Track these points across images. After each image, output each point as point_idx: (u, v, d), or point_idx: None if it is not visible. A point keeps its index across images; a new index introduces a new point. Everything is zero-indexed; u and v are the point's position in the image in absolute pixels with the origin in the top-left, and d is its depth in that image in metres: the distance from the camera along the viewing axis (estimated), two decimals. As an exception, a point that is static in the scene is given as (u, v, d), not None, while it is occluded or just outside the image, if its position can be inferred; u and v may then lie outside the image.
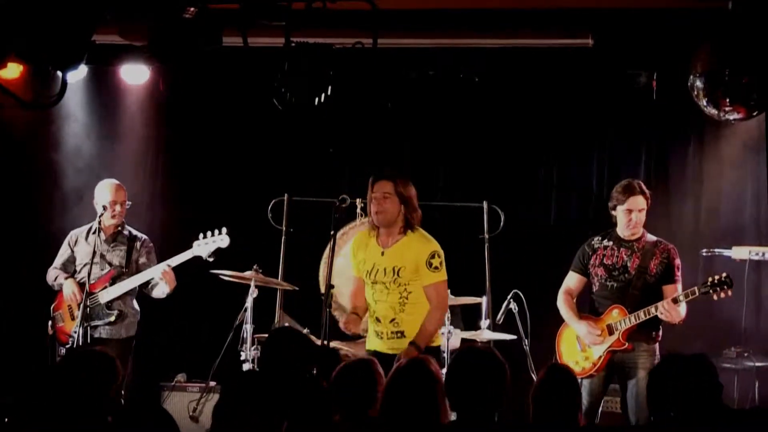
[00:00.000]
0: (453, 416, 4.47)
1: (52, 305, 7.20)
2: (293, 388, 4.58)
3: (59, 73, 5.68)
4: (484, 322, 7.20)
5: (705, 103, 6.72)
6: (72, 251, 7.23)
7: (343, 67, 6.29)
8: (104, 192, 7.12)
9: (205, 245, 7.01)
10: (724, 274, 6.25)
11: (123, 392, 6.16)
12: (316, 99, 6.22)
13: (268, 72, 6.31)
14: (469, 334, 7.18)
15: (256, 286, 7.12)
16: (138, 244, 7.19)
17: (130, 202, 7.20)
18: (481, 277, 7.66)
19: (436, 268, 6.06)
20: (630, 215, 6.39)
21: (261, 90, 6.55)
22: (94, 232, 7.05)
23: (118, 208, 7.09)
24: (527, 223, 8.21)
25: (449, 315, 6.82)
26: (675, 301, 6.23)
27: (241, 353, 7.07)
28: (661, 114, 7.90)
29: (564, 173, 8.51)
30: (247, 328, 7.06)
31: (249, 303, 7.07)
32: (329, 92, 6.20)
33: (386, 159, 8.13)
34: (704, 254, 7.51)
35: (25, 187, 8.29)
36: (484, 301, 7.34)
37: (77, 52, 5.57)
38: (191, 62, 7.03)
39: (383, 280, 6.13)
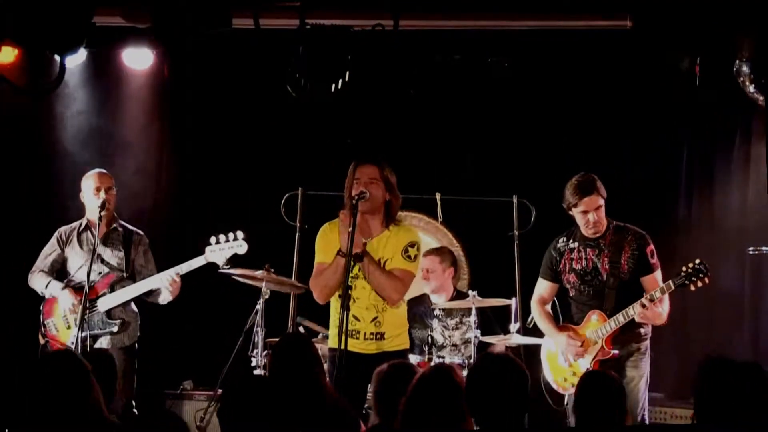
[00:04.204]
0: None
1: (41, 310, 6.83)
2: (304, 395, 4.57)
3: (57, 58, 5.59)
4: (514, 326, 6.99)
5: (752, 90, 6.64)
6: (62, 251, 6.83)
7: (362, 51, 6.21)
8: (87, 181, 6.82)
9: (220, 251, 6.70)
10: (697, 261, 5.92)
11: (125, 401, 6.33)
12: (333, 85, 6.13)
13: (282, 56, 6.21)
14: (497, 339, 7.03)
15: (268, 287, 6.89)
16: (135, 241, 6.85)
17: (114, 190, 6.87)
18: (511, 278, 7.49)
19: (409, 257, 5.87)
20: (587, 216, 6.17)
21: (273, 76, 6.51)
22: (84, 230, 6.64)
23: (103, 194, 6.72)
24: (560, 219, 7.70)
25: (476, 320, 6.83)
26: (651, 300, 5.94)
27: (252, 359, 6.87)
28: (704, 102, 7.70)
29: (599, 166, 8.04)
30: (259, 331, 6.86)
31: (260, 305, 6.86)
32: (347, 78, 6.11)
33: (408, 149, 8.04)
34: (751, 252, 7.30)
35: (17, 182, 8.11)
36: (513, 303, 7.16)
37: (76, 34, 5.48)
38: (198, 46, 6.92)
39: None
